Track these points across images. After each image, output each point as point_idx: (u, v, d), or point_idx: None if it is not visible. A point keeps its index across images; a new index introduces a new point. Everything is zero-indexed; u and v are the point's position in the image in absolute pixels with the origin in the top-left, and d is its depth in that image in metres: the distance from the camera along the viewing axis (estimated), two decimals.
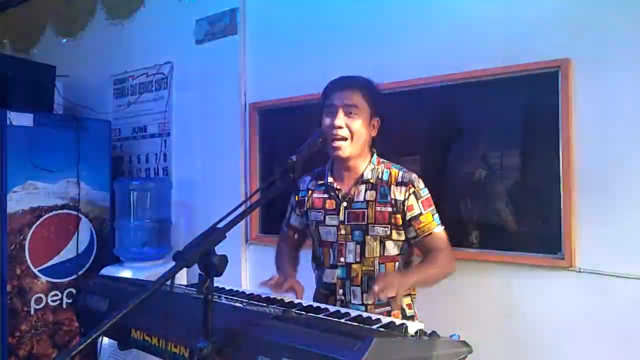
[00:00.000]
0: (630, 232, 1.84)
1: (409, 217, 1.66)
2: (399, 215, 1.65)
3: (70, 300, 3.01)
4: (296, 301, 1.52)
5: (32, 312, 2.89)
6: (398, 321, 1.29)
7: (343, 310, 1.44)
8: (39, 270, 2.92)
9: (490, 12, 2.14)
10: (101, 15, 3.81)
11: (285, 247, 1.95)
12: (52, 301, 2.98)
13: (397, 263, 1.70)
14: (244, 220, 2.58)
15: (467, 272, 2.14)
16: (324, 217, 1.74)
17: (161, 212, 3.15)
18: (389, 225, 1.65)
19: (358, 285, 1.68)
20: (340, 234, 1.70)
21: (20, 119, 2.84)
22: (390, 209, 1.65)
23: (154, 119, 3.44)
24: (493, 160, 2.14)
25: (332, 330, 1.03)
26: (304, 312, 1.36)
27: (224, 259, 1.05)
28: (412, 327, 1.21)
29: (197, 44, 3.16)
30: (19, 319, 2.83)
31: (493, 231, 2.13)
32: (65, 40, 4.11)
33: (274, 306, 1.42)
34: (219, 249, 1.06)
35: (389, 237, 1.67)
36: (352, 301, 1.69)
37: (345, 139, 1.63)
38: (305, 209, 1.82)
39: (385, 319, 1.32)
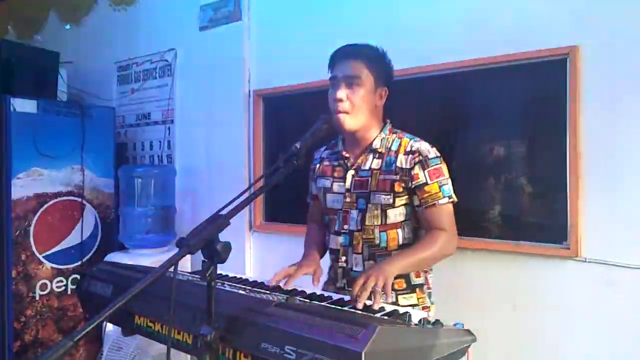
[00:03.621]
0: (637, 221, 1.83)
1: (413, 185, 1.61)
2: (402, 184, 1.62)
3: (74, 286, 3.03)
4: (299, 289, 1.52)
5: (37, 297, 2.91)
6: (402, 309, 1.29)
7: (347, 297, 1.44)
8: (43, 257, 2.93)
9: None
10: (105, 1, 3.78)
11: (311, 229, 1.92)
12: (57, 287, 3.00)
13: (399, 230, 1.66)
14: (247, 207, 2.60)
15: (471, 261, 2.14)
16: (332, 185, 1.74)
17: (165, 199, 3.16)
18: (391, 194, 1.62)
19: (359, 253, 1.68)
20: (346, 201, 1.69)
21: (24, 105, 2.84)
22: (393, 177, 1.62)
23: (158, 106, 3.43)
24: (499, 148, 2.12)
25: (336, 317, 1.03)
26: (307, 300, 1.36)
27: (227, 246, 1.04)
28: (416, 315, 1.21)
29: (201, 30, 3.14)
30: (24, 304, 2.86)
31: (498, 220, 2.12)
32: (68, 26, 4.09)
33: (278, 293, 1.42)
34: (223, 236, 1.05)
35: (392, 206, 1.63)
36: (354, 268, 1.68)
37: (347, 112, 1.61)
38: (315, 176, 1.83)
39: (388, 307, 1.32)
